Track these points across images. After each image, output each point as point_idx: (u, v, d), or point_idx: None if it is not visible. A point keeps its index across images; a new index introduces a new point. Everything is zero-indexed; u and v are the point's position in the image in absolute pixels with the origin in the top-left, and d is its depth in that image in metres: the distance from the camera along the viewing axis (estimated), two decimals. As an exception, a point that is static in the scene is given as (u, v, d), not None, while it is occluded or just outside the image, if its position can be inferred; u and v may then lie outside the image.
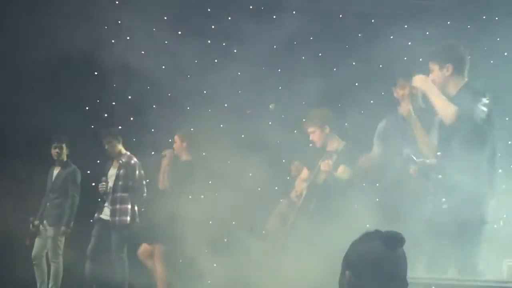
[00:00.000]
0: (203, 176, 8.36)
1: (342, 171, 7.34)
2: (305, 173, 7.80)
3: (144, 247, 8.78)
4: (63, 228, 8.92)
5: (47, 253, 9.04)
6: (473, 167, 5.55)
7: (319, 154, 7.61)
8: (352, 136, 7.88)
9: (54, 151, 9.15)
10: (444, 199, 5.70)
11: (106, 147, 8.94)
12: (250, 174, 8.79)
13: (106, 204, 8.90)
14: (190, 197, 8.42)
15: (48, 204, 9.13)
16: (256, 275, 7.15)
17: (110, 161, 9.15)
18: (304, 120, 7.72)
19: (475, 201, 5.55)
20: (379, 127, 7.11)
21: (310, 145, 7.69)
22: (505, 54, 7.51)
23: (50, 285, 8.85)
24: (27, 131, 9.03)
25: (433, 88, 5.72)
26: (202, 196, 8.53)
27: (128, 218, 8.77)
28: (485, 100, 5.63)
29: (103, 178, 8.98)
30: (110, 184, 8.91)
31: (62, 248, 8.96)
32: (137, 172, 8.94)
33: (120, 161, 8.93)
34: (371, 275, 2.74)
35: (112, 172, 9.03)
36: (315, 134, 7.56)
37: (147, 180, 9.10)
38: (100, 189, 8.89)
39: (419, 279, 5.36)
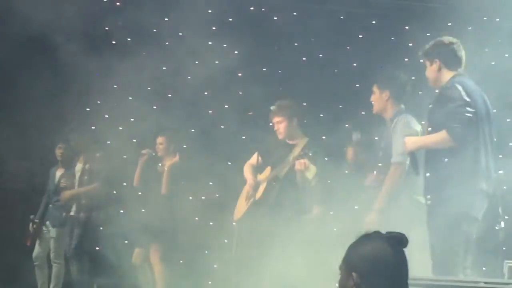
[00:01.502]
0: (201, 176, 8.34)
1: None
2: (254, 158, 7.62)
3: (136, 251, 8.66)
4: (65, 229, 8.91)
5: (48, 254, 9.03)
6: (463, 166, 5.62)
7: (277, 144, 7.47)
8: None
9: (58, 152, 9.15)
10: (428, 196, 5.78)
11: (72, 144, 8.93)
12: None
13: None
14: (190, 198, 8.41)
15: (50, 205, 9.11)
16: (258, 279, 7.13)
17: (76, 157, 9.13)
18: (272, 108, 7.53)
19: (463, 199, 5.60)
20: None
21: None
22: (506, 55, 7.51)
23: (51, 286, 8.83)
24: (27, 131, 9.03)
25: (420, 141, 6.01)
26: (203, 198, 8.53)
27: (93, 214, 8.74)
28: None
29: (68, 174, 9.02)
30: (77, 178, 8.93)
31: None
32: (102, 166, 8.90)
33: (86, 156, 8.91)
34: (377, 275, 2.73)
35: (79, 167, 9.02)
36: (281, 125, 7.39)
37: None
38: (64, 184, 8.91)
39: (419, 280, 5.36)
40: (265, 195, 7.34)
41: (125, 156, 9.13)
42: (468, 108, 5.72)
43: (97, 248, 8.70)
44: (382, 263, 2.74)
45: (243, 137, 9.00)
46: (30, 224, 9.12)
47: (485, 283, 5.21)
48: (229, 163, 8.82)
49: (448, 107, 5.78)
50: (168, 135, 8.68)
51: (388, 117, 6.73)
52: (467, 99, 5.74)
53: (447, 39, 6.22)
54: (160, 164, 8.73)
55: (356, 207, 6.76)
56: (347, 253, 2.83)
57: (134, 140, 9.01)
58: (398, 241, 2.79)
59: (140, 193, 8.68)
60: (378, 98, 6.78)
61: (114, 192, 8.79)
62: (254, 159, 7.64)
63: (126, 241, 8.69)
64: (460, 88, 5.77)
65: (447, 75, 6.04)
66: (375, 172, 6.72)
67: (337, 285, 2.83)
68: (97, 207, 8.78)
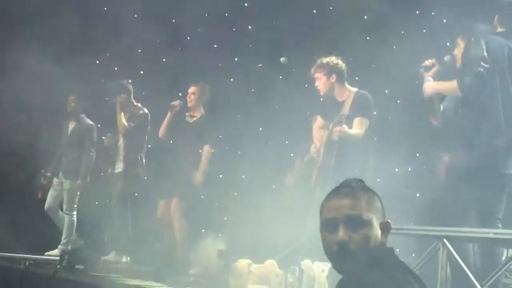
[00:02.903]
0: (216, 131, 8.30)
1: (358, 125, 6.73)
2: (319, 120, 7.20)
3: (161, 204, 8.57)
4: (79, 181, 8.94)
5: (60, 206, 9.07)
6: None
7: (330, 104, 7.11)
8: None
9: (69, 103, 9.12)
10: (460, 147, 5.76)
11: (118, 100, 8.80)
12: (260, 128, 8.86)
13: (117, 158, 8.85)
14: (200, 151, 8.40)
15: (63, 158, 9.12)
16: (268, 231, 7.17)
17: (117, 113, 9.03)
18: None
19: (494, 151, 5.62)
20: None
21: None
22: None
23: (63, 237, 8.89)
24: (37, 84, 9.03)
25: (436, 85, 6.00)
26: (212, 151, 8.56)
27: (140, 170, 8.77)
28: None
29: (108, 134, 8.97)
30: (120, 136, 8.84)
31: (77, 201, 8.98)
32: (146, 124, 8.85)
33: (131, 113, 8.82)
34: None
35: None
36: (320, 81, 7.01)
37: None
38: (105, 142, 8.91)
39: (432, 231, 5.42)
40: (324, 158, 6.95)
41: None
42: (482, 63, 5.71)
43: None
44: None
45: (252, 90, 9.04)
46: (42, 178, 9.13)
47: (495, 234, 5.27)
48: (239, 116, 8.88)
49: (465, 60, 5.81)
50: (200, 85, 8.33)
51: None
52: (484, 54, 5.72)
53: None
54: (187, 114, 8.44)
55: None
56: (368, 201, 2.73)
57: (143, 93, 9.01)
58: None
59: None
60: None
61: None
62: (319, 121, 7.20)
63: (136, 194, 8.76)
64: (482, 42, 5.76)
65: None
66: None
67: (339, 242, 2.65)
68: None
